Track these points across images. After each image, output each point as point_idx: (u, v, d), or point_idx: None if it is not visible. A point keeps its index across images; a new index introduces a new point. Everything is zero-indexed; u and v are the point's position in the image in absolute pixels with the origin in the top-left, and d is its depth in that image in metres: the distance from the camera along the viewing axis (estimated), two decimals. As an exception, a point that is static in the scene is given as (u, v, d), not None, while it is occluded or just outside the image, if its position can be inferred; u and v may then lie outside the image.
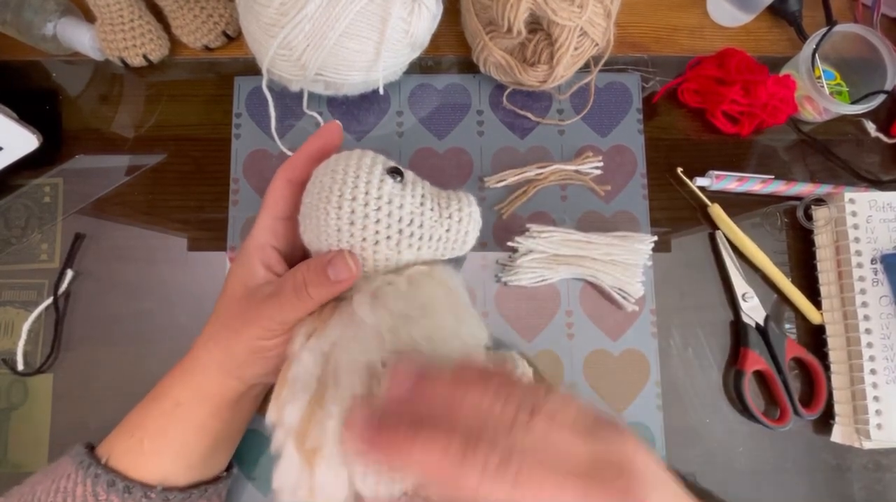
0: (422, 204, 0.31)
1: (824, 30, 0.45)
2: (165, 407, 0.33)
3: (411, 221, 0.30)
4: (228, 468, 0.38)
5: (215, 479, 0.36)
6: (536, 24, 0.42)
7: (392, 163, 0.32)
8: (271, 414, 0.28)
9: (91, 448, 0.33)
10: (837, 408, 0.43)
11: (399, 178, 0.31)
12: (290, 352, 0.29)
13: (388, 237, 0.30)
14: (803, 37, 0.48)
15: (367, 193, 0.29)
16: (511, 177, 0.46)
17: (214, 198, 0.46)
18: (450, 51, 0.49)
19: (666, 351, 0.45)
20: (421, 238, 0.30)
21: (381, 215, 0.29)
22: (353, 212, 0.29)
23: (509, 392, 0.22)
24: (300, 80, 0.41)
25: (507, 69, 0.44)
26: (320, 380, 0.27)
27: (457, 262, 0.33)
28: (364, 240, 0.29)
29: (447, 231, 0.31)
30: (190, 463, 0.33)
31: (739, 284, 0.45)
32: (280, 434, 0.27)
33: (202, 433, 0.33)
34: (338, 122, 0.35)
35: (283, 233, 0.33)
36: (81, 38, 0.45)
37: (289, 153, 0.46)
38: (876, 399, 0.41)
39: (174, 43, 0.47)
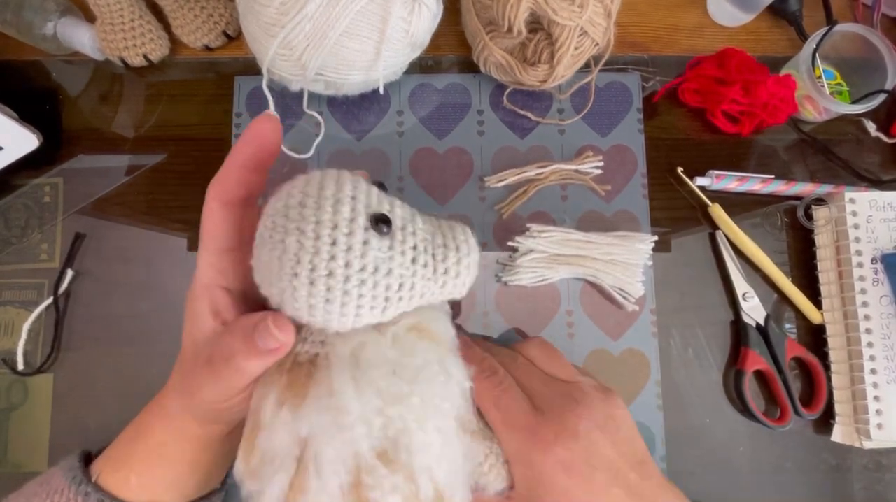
0: (413, 261, 0.25)
1: (824, 29, 0.45)
2: (150, 445, 0.31)
3: (401, 286, 0.24)
4: (225, 479, 0.37)
5: (208, 494, 0.35)
6: (537, 24, 0.42)
7: (374, 207, 0.24)
8: (239, 470, 0.24)
9: (87, 456, 0.33)
10: (838, 408, 0.43)
11: (386, 229, 0.24)
12: (256, 413, 0.25)
13: (373, 307, 0.24)
14: (803, 36, 0.48)
15: (347, 265, 0.23)
16: (511, 177, 0.46)
17: (214, 198, 0.46)
18: (450, 50, 0.49)
19: (666, 350, 0.45)
20: (411, 299, 0.25)
21: (364, 289, 0.23)
22: (329, 289, 0.23)
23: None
24: (300, 79, 0.41)
25: (507, 69, 0.44)
26: (300, 460, 0.23)
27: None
28: (343, 316, 0.24)
29: (442, 287, 0.26)
30: (184, 493, 0.32)
31: (739, 284, 0.45)
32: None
33: (195, 467, 0.32)
34: (272, 114, 0.27)
35: (230, 267, 0.27)
36: (81, 38, 0.45)
37: (289, 153, 0.45)
38: (876, 399, 0.41)
39: (174, 43, 0.47)
